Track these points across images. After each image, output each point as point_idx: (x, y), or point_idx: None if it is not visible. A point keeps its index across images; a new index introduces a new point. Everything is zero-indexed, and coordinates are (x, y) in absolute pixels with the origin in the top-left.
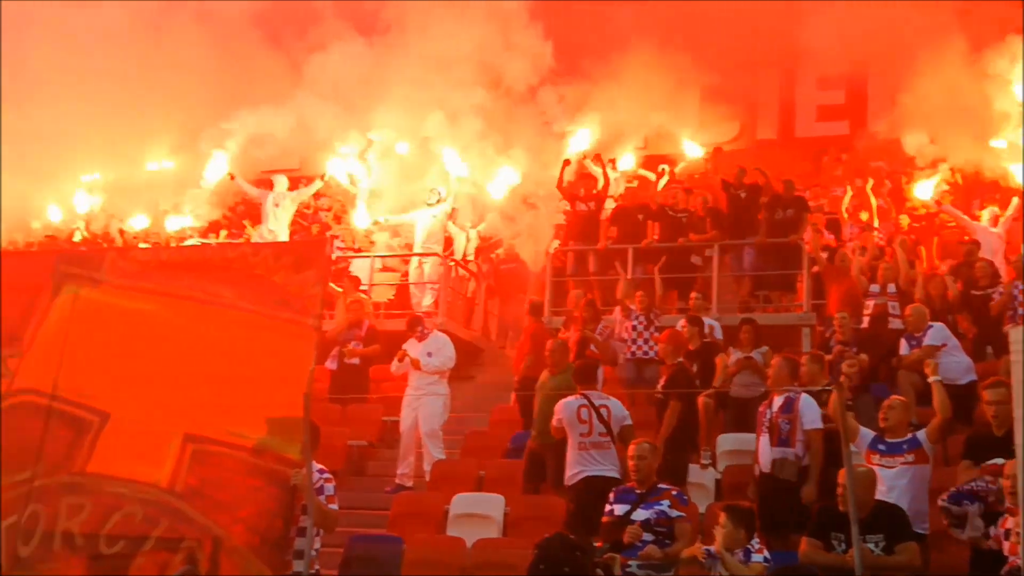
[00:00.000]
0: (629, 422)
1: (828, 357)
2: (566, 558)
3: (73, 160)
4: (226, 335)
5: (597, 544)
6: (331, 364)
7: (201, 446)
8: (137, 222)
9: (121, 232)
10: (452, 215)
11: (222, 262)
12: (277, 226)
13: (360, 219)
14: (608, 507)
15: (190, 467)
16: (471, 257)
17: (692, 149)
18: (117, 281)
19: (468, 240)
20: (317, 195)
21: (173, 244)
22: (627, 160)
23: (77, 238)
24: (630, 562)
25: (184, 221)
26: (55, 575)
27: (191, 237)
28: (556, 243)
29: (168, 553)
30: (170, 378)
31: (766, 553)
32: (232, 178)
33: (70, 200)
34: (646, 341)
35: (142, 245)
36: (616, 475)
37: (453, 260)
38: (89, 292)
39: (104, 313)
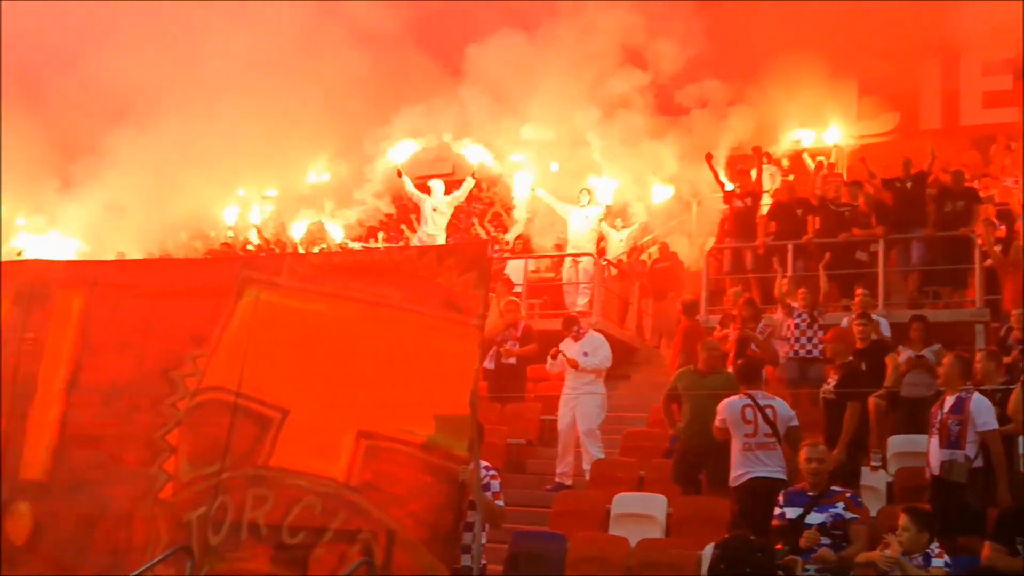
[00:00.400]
0: (795, 423)
1: (1007, 359)
2: (747, 558)
3: (244, 170)
4: (395, 335)
5: (776, 547)
6: (488, 363)
7: (374, 442)
8: (300, 228)
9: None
10: (604, 214)
11: (390, 265)
12: (435, 230)
13: (520, 189)
14: (778, 510)
15: (364, 462)
16: (624, 256)
17: (847, 141)
18: (294, 284)
19: (621, 239)
20: (470, 199)
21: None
22: (782, 154)
23: (251, 246)
24: (807, 566)
25: (349, 215)
26: (243, 564)
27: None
28: (711, 240)
29: (346, 544)
30: (344, 377)
31: (946, 558)
32: (399, 175)
33: (243, 208)
34: (809, 340)
35: (314, 249)
36: (783, 477)
37: (606, 259)
38: (269, 295)
39: (283, 315)
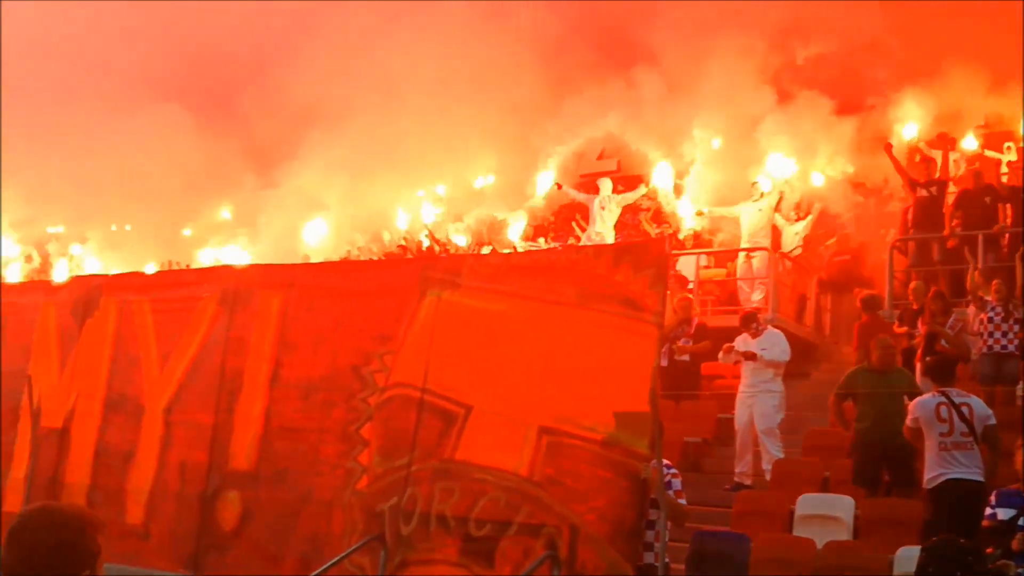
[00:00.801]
0: (993, 422)
1: None
2: (957, 562)
3: (421, 171)
4: (573, 333)
5: (987, 550)
6: (662, 361)
7: (555, 438)
8: (463, 228)
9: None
10: (778, 207)
11: (567, 264)
12: (604, 228)
13: (684, 209)
14: (989, 510)
15: (546, 457)
16: (799, 249)
17: None
18: (474, 284)
19: (796, 232)
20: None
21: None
22: (969, 141)
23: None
24: (1020, 569)
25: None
26: (433, 554)
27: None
28: (893, 232)
29: (530, 538)
30: (525, 373)
31: None
32: (559, 187)
33: (415, 210)
34: (1004, 334)
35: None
36: (980, 478)
37: (781, 253)
38: (450, 295)
39: (464, 313)
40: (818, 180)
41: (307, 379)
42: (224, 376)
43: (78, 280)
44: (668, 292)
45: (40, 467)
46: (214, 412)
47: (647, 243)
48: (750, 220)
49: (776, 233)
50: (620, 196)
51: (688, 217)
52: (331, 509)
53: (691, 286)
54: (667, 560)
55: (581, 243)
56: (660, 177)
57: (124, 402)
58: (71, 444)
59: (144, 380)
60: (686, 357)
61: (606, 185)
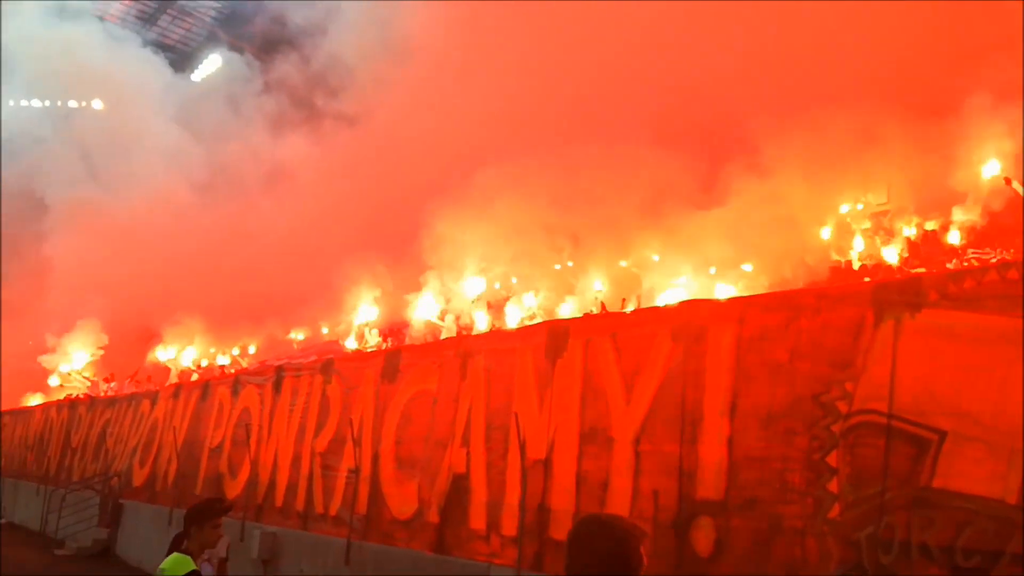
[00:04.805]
0: None
1: None
2: None
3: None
4: None
5: None
6: None
7: None
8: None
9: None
10: None
11: None
12: None
13: None
14: None
15: None
16: None
17: None
18: (942, 304)
19: None
20: None
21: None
22: None
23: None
24: None
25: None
26: None
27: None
28: None
29: None
30: (1005, 396)
31: None
32: (1008, 182)
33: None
34: None
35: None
36: None
37: None
38: (912, 317)
39: (931, 336)
40: None
41: (765, 408)
42: (685, 408)
43: (548, 324)
44: None
45: (530, 494)
46: (679, 443)
47: None
48: None
49: None
50: None
51: None
52: (804, 538)
53: None
54: None
55: None
56: None
57: (595, 434)
58: (554, 474)
59: (612, 413)
60: None
61: None
